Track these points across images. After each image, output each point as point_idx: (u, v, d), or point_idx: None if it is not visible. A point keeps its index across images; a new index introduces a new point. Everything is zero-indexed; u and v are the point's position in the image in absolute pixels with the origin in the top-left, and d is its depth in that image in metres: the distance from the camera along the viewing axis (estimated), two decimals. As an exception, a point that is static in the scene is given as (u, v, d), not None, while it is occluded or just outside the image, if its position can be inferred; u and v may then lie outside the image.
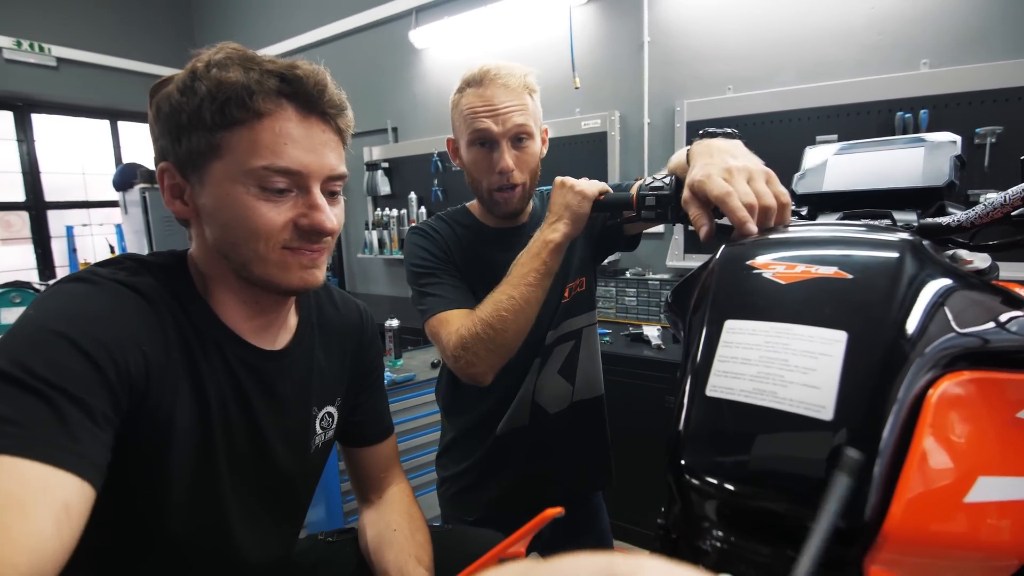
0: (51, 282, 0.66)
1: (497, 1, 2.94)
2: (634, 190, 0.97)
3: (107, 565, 0.70)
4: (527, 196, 1.19)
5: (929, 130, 1.93)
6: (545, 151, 1.20)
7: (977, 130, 1.92)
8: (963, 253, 0.68)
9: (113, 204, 4.66)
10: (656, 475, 2.06)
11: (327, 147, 0.70)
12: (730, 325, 0.48)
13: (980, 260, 0.67)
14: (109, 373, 0.58)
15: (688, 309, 0.58)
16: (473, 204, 1.28)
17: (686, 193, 0.73)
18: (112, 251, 4.54)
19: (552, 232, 1.04)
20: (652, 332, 2.32)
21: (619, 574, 0.18)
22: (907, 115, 2.04)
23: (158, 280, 0.70)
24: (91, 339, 0.58)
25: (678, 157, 0.95)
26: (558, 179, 1.08)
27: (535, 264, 1.03)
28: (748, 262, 0.52)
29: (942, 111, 2.00)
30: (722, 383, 0.46)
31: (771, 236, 0.57)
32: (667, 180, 0.91)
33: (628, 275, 2.71)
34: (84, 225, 4.65)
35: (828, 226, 0.59)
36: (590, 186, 1.05)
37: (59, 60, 4.23)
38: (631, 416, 2.11)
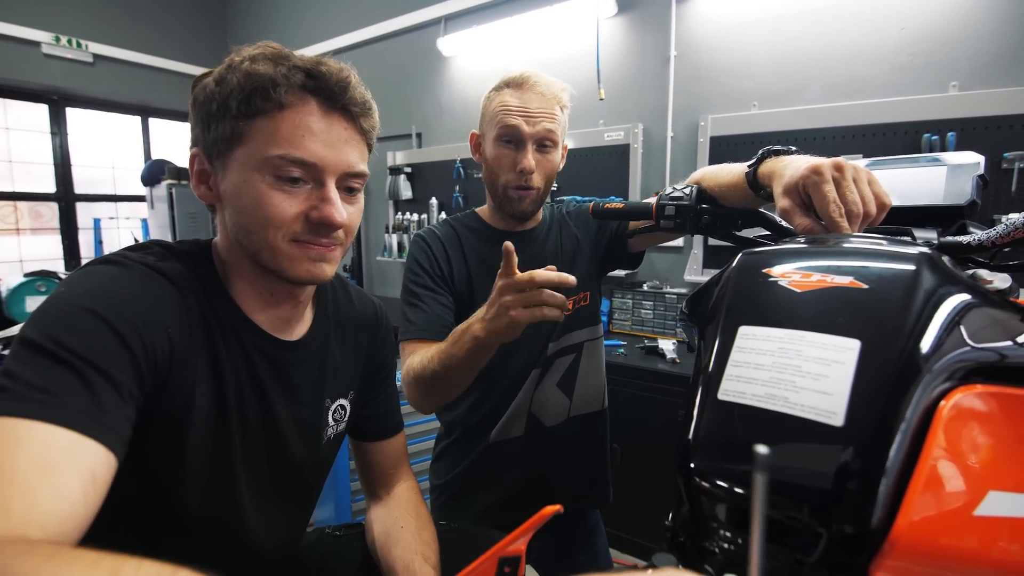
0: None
1: (526, 11, 2.97)
2: (653, 200, 0.97)
3: (124, 540, 0.72)
4: (539, 201, 1.20)
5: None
6: (562, 166, 1.23)
7: (1005, 154, 1.90)
8: (983, 273, 0.68)
9: (140, 199, 4.76)
10: (665, 487, 2.05)
11: (347, 144, 0.72)
12: (744, 331, 0.49)
13: (1000, 280, 0.66)
14: (137, 352, 0.60)
15: (703, 316, 0.59)
16: (483, 209, 1.29)
17: (785, 202, 0.71)
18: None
19: (483, 332, 0.91)
20: (667, 346, 2.31)
21: None
22: (934, 137, 2.01)
23: (184, 266, 0.72)
24: (121, 318, 0.60)
25: (712, 170, 0.95)
26: (501, 285, 0.89)
27: (460, 351, 0.95)
28: (764, 270, 0.52)
29: (970, 134, 1.98)
30: (734, 387, 0.46)
31: (787, 246, 0.57)
32: (687, 191, 0.92)
33: (645, 288, 2.70)
34: (111, 218, 4.75)
35: (846, 237, 0.59)
36: (525, 315, 0.86)
37: (95, 56, 4.34)
38: (642, 428, 2.11)
